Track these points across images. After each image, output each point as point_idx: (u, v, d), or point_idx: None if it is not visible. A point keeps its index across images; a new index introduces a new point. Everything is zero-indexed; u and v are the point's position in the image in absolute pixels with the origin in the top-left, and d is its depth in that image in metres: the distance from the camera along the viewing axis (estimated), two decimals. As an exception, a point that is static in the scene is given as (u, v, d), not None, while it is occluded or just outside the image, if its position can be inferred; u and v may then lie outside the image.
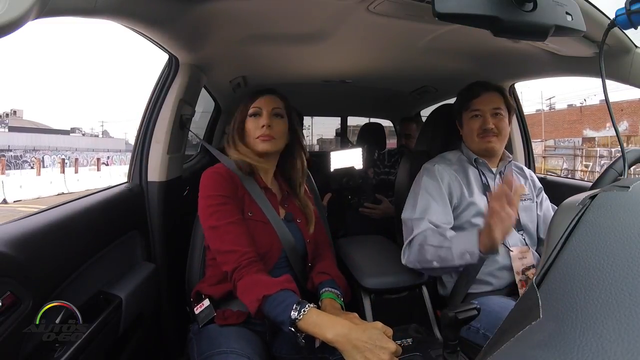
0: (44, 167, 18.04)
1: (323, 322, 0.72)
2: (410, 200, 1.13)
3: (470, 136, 1.14)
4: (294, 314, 0.73)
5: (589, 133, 15.40)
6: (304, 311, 0.73)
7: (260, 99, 0.98)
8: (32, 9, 0.41)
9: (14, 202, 11.37)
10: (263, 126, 0.94)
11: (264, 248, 0.90)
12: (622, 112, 14.46)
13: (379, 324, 0.73)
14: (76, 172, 16.72)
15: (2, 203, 11.10)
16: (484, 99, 1.12)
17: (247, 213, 0.92)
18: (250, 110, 0.97)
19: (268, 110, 0.97)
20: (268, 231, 0.92)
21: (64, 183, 13.84)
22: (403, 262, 1.07)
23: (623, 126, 14.43)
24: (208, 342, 0.85)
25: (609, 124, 14.47)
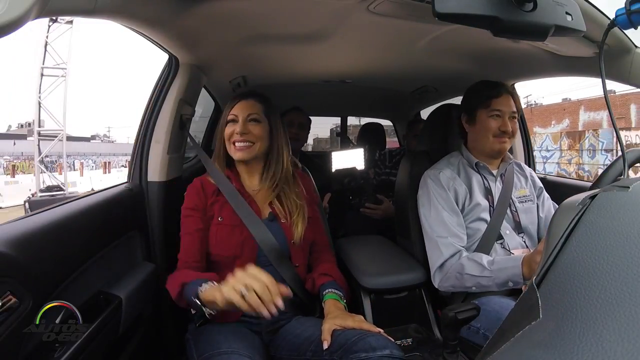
0: (74, 169, 21.01)
1: (217, 289, 0.76)
2: (425, 211, 1.12)
3: (485, 135, 1.11)
4: (199, 288, 0.79)
5: (538, 130, 16.83)
6: (207, 285, 0.79)
7: (237, 105, 1.01)
8: (32, 9, 0.41)
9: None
10: (238, 133, 0.98)
11: (233, 250, 0.94)
12: (565, 112, 16.17)
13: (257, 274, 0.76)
14: (109, 172, 20.44)
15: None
16: (505, 100, 1.10)
17: (217, 219, 0.96)
18: (228, 117, 1.01)
19: (243, 117, 0.99)
20: (237, 233, 0.95)
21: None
22: (435, 285, 1.07)
23: (565, 123, 16.06)
24: (207, 343, 0.84)
25: (553, 122, 16.24)
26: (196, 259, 0.93)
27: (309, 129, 1.99)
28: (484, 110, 1.11)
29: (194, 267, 0.92)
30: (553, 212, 1.16)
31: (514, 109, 1.11)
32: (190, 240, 0.95)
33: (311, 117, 2.01)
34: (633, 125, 12.47)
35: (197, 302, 0.78)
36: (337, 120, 3.16)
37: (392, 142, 3.12)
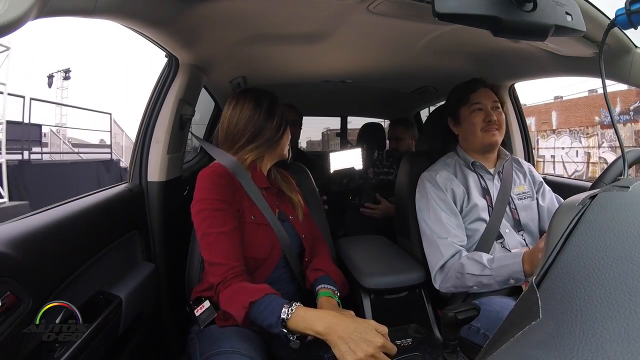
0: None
1: (311, 316, 0.73)
2: (423, 214, 1.12)
3: (473, 131, 1.11)
4: (282, 315, 0.73)
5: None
6: (292, 310, 0.74)
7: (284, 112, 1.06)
8: (32, 9, 0.41)
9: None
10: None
11: (266, 252, 0.90)
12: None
13: (372, 321, 0.73)
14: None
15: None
16: (483, 93, 1.12)
17: (250, 217, 0.90)
18: (287, 119, 1.04)
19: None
20: (269, 234, 0.92)
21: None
22: (436, 286, 1.06)
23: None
24: (210, 342, 0.85)
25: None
26: (241, 262, 0.84)
27: (301, 125, 1.99)
28: (464, 106, 1.13)
29: (240, 274, 0.83)
30: (555, 203, 1.15)
31: (496, 99, 1.11)
32: (229, 239, 0.84)
33: (311, 118, 2.01)
34: (554, 127, 14.66)
35: (284, 331, 0.73)
36: (328, 124, 3.16)
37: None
